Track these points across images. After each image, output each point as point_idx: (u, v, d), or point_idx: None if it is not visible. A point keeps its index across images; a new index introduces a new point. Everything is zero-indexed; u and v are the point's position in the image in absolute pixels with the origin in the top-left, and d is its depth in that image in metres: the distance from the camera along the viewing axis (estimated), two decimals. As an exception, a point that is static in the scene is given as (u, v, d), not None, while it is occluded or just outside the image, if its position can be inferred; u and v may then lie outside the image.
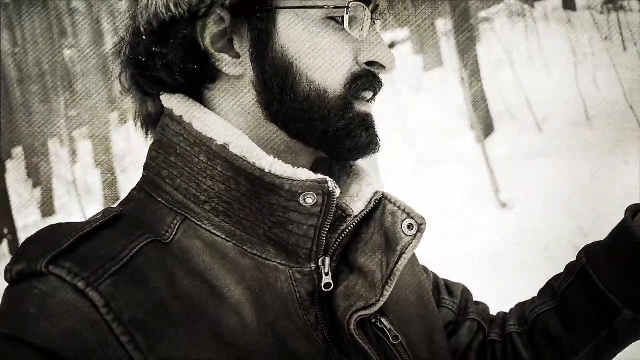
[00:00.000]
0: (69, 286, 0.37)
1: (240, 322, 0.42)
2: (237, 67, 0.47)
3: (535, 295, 0.66)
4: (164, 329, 0.39)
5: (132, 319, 0.38)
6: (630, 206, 0.57)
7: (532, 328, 0.63)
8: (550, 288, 0.64)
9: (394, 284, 0.48)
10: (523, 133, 4.51)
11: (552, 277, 0.65)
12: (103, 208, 0.48)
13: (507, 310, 0.70)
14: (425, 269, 0.67)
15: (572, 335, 0.59)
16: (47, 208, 5.47)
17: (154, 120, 0.52)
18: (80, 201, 4.79)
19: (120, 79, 0.50)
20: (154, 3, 0.46)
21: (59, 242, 0.40)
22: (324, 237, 0.47)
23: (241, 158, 0.45)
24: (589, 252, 0.59)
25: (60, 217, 5.37)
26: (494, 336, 0.66)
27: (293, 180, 0.45)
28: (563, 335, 0.60)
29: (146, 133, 0.53)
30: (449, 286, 0.70)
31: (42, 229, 0.44)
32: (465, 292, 0.70)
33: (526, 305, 0.66)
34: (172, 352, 0.38)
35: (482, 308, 0.70)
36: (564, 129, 4.20)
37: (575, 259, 0.61)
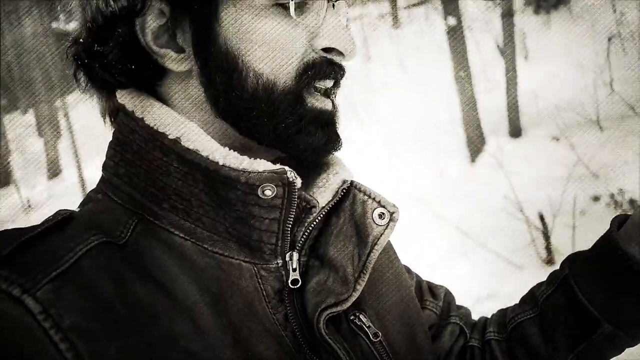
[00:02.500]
0: (4, 294, 0.35)
1: (195, 325, 0.40)
2: (182, 62, 0.44)
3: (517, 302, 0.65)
4: (111, 335, 0.37)
5: (74, 325, 0.36)
6: (615, 217, 0.55)
7: (512, 336, 0.62)
8: (532, 296, 0.62)
9: (367, 277, 0.47)
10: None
11: (535, 284, 0.63)
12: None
13: (489, 316, 0.68)
14: (408, 270, 0.65)
15: (551, 345, 0.58)
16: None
17: (114, 117, 0.49)
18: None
19: (75, 78, 0.48)
20: None
21: (1, 249, 0.38)
22: (288, 230, 0.45)
23: (194, 151, 0.43)
24: (572, 263, 0.57)
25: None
26: (473, 342, 0.65)
27: (249, 172, 0.42)
28: (541, 345, 0.58)
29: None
30: (432, 288, 0.67)
31: None
32: (448, 295, 0.68)
33: (507, 313, 0.64)
34: (120, 357, 0.36)
35: (464, 312, 0.68)
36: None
37: (559, 268, 0.60)
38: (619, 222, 0.54)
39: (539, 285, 0.62)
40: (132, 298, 0.39)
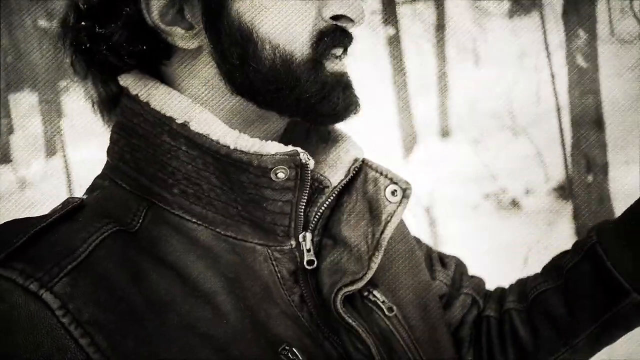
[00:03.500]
0: (20, 289, 0.35)
1: (214, 310, 0.40)
2: (191, 39, 0.43)
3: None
4: (128, 326, 0.37)
5: (92, 319, 0.35)
6: None
7: (533, 306, 0.59)
8: (555, 265, 0.60)
9: (381, 255, 0.46)
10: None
11: (558, 253, 0.61)
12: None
13: (507, 286, 0.66)
14: (418, 240, 0.64)
15: (574, 316, 0.56)
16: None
17: (113, 102, 0.48)
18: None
19: (73, 66, 0.46)
20: None
21: (11, 241, 0.37)
22: (301, 211, 0.45)
23: (203, 135, 0.42)
24: (600, 230, 0.55)
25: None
26: (489, 312, 0.63)
27: (261, 155, 0.42)
28: (565, 315, 0.56)
29: (107, 116, 0.49)
30: (443, 258, 0.66)
31: None
32: (460, 266, 0.67)
33: (528, 282, 0.62)
34: (140, 348, 0.36)
35: (477, 282, 0.66)
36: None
37: (585, 236, 0.57)
38: None
39: (563, 254, 0.60)
40: (149, 287, 0.39)
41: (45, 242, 0.38)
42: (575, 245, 0.59)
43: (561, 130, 3.11)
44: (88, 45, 0.43)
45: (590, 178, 2.81)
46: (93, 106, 0.49)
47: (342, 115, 0.47)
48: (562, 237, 2.93)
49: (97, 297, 0.37)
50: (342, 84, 0.46)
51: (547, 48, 3.18)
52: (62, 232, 0.39)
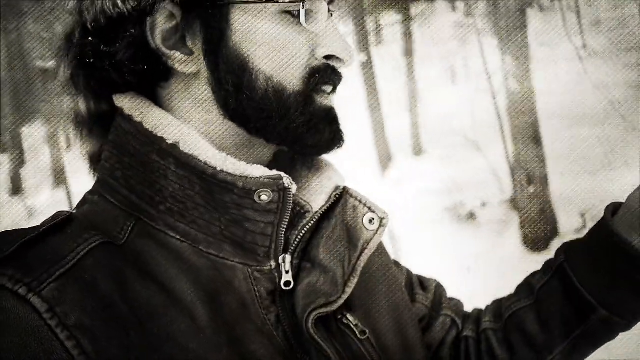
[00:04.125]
0: (10, 293, 0.36)
1: (193, 323, 0.41)
2: (190, 64, 0.45)
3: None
4: (112, 332, 0.38)
5: (78, 323, 0.37)
6: (610, 204, 0.56)
7: (508, 325, 0.62)
8: (528, 284, 0.63)
9: (356, 279, 0.48)
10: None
11: (529, 274, 0.64)
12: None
13: (483, 307, 0.69)
14: (397, 264, 0.66)
15: (547, 332, 0.58)
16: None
17: (105, 120, 0.49)
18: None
19: (72, 80, 0.48)
20: None
21: (2, 249, 0.38)
22: (282, 234, 0.46)
23: (192, 156, 0.43)
24: (568, 250, 0.58)
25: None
26: (468, 332, 0.65)
27: (247, 177, 0.43)
28: (538, 333, 0.59)
29: (87, 134, 0.50)
30: (423, 281, 0.68)
31: None
32: (439, 288, 0.69)
33: (502, 302, 0.65)
34: (122, 354, 0.37)
35: (456, 304, 0.68)
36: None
37: (554, 256, 0.60)
38: (613, 209, 0.55)
39: (534, 274, 0.63)
40: (133, 297, 0.40)
41: (35, 251, 0.39)
42: (545, 264, 0.62)
43: (505, 146, 3.34)
44: (92, 60, 0.45)
45: (531, 189, 3.04)
46: (75, 120, 0.50)
47: (326, 147, 0.49)
48: (509, 245, 3.14)
49: (84, 303, 0.38)
50: (329, 118, 0.49)
51: (486, 71, 3.43)
52: (51, 242, 0.41)
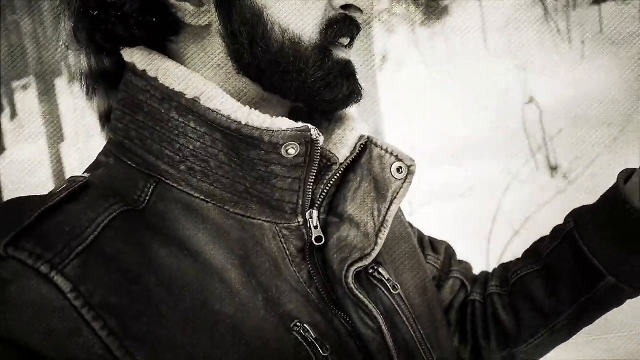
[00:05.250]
0: (31, 270, 0.34)
1: (226, 287, 0.40)
2: (200, 17, 0.43)
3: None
4: (141, 307, 0.36)
5: (104, 302, 0.35)
6: (623, 170, 0.55)
7: (514, 290, 0.61)
8: (535, 250, 0.62)
9: (387, 231, 0.47)
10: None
11: (537, 239, 0.63)
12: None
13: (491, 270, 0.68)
14: (411, 225, 0.65)
15: (554, 298, 0.58)
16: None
17: (109, 77, 0.47)
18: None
19: (74, 34, 0.45)
20: None
21: (20, 220, 0.36)
22: (309, 189, 0.45)
23: (214, 111, 0.41)
24: (577, 216, 0.57)
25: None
26: (475, 296, 0.65)
27: (273, 131, 0.41)
28: (544, 298, 0.58)
29: (92, 92, 0.48)
30: (433, 243, 0.68)
31: (1, 205, 0.41)
32: (449, 250, 0.68)
33: (509, 267, 0.64)
34: (155, 328, 0.36)
35: (465, 267, 0.68)
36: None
37: (563, 222, 0.59)
38: (626, 176, 0.54)
39: (542, 239, 0.62)
40: (160, 267, 0.38)
41: (54, 222, 0.37)
42: (553, 230, 0.60)
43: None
44: (96, 13, 0.43)
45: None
46: (80, 80, 0.49)
47: (343, 103, 0.47)
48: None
49: (108, 279, 0.36)
50: (347, 72, 0.47)
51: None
52: (69, 212, 0.38)
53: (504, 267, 0.65)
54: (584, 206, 0.58)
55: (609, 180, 0.56)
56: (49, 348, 0.34)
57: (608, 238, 0.54)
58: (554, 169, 3.05)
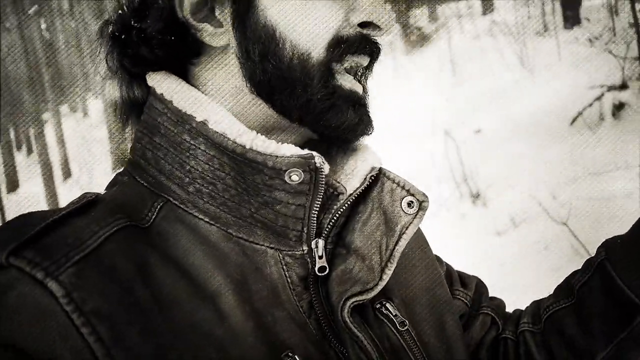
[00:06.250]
0: (28, 277, 0.35)
1: (217, 311, 0.40)
2: (219, 37, 0.45)
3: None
4: (132, 318, 0.37)
5: (96, 309, 0.36)
6: None
7: (547, 327, 0.58)
8: (567, 284, 0.58)
9: (394, 266, 0.46)
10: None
11: (571, 273, 0.59)
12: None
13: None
14: (439, 259, 0.63)
15: (589, 335, 0.53)
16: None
17: (138, 106, 0.48)
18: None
19: (106, 60, 0.48)
20: None
21: (24, 232, 0.37)
22: (314, 217, 0.45)
23: (221, 134, 0.42)
24: (609, 247, 0.54)
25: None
26: (507, 334, 0.62)
27: (277, 156, 0.42)
28: (578, 335, 0.54)
29: (125, 120, 0.50)
30: (463, 278, 0.65)
31: (12, 219, 0.41)
32: (480, 286, 0.66)
33: (542, 303, 0.60)
34: (143, 341, 0.36)
35: (497, 304, 0.65)
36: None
37: (594, 255, 0.56)
38: None
39: (574, 273, 0.58)
40: (154, 283, 0.39)
41: (57, 234, 0.38)
42: (586, 263, 0.57)
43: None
44: (123, 36, 0.45)
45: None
46: (115, 111, 0.50)
47: (351, 131, 0.47)
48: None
49: (103, 288, 0.37)
50: (353, 101, 0.46)
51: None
52: (73, 226, 0.39)
53: (537, 303, 0.62)
54: (616, 236, 0.55)
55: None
56: (41, 351, 0.35)
57: None
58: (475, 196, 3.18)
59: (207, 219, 0.44)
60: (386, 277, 0.46)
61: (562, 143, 3.00)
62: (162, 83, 0.45)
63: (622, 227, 0.54)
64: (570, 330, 0.55)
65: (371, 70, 0.49)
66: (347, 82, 0.46)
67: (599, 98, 3.00)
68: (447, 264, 0.65)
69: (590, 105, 3.00)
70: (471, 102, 3.98)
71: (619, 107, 2.97)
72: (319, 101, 0.45)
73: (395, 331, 0.48)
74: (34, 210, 0.42)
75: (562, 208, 2.52)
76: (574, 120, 3.09)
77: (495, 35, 4.90)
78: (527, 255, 2.48)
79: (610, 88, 3.00)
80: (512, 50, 4.30)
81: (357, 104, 0.47)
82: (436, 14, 6.14)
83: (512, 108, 3.70)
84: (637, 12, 2.76)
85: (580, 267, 0.58)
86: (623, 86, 3.01)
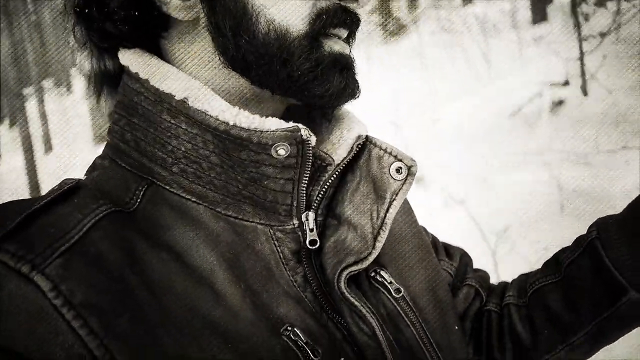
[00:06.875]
0: (13, 272, 0.34)
1: (213, 291, 0.40)
2: (187, 10, 0.43)
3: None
4: (122, 307, 0.36)
5: (85, 300, 0.35)
6: None
7: (531, 301, 0.58)
8: (555, 260, 0.58)
9: (386, 234, 0.46)
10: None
11: (560, 249, 0.59)
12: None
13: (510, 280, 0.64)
14: (425, 229, 0.63)
15: (573, 312, 0.54)
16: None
17: (111, 79, 0.47)
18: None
19: (74, 33, 0.46)
20: None
21: (5, 223, 0.36)
22: (304, 190, 0.44)
23: (202, 112, 0.41)
24: (600, 226, 0.53)
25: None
26: (491, 306, 0.62)
27: (261, 131, 0.41)
28: (563, 312, 0.55)
29: (98, 93, 0.49)
30: (448, 249, 0.66)
31: None
32: (465, 257, 0.66)
33: (528, 277, 0.61)
34: (135, 328, 0.35)
35: (482, 275, 0.65)
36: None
37: (586, 232, 0.55)
38: None
39: (564, 249, 0.58)
40: (144, 268, 0.38)
41: (39, 224, 0.37)
42: (576, 240, 0.57)
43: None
44: (86, 11, 0.43)
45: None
46: (89, 84, 0.48)
47: (337, 97, 0.45)
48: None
49: (91, 278, 0.36)
50: (340, 64, 0.45)
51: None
52: (56, 214, 0.38)
53: (522, 278, 0.63)
54: (609, 215, 0.55)
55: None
56: (31, 348, 0.34)
57: (633, 250, 0.50)
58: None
59: (194, 199, 0.43)
60: (379, 245, 0.45)
61: (501, 135, 3.19)
62: (136, 61, 0.44)
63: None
64: (555, 306, 0.56)
65: (353, 39, 0.48)
66: (335, 44, 0.45)
67: (540, 94, 3.18)
68: (432, 235, 0.66)
69: (531, 100, 3.18)
70: (433, 94, 4.16)
71: (558, 104, 3.15)
72: (302, 75, 0.43)
73: (391, 298, 0.48)
74: (11, 200, 0.41)
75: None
76: (514, 114, 3.26)
77: (469, 28, 5.05)
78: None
79: (553, 85, 3.18)
80: (477, 44, 4.47)
81: (345, 68, 0.46)
82: (416, 3, 6.26)
83: (470, 101, 3.88)
84: (579, 13, 2.94)
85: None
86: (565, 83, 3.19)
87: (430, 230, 0.65)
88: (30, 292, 0.34)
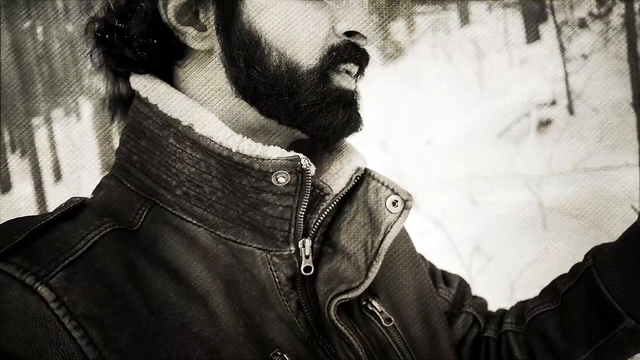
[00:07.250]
0: (17, 282, 0.36)
1: (208, 312, 0.41)
2: (203, 41, 0.45)
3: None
4: (122, 321, 0.37)
5: (87, 312, 0.36)
6: None
7: (530, 328, 0.59)
8: (553, 288, 0.60)
9: (379, 264, 0.47)
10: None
11: (557, 276, 0.60)
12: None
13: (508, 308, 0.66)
14: (422, 257, 0.64)
15: (570, 340, 0.55)
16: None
17: (124, 103, 0.50)
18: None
19: (91, 56, 0.49)
20: None
21: (12, 237, 0.38)
22: (301, 217, 0.46)
23: (207, 138, 0.43)
24: (596, 254, 0.55)
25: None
26: (489, 333, 0.63)
27: (263, 159, 0.43)
28: (560, 339, 0.56)
29: (112, 116, 0.51)
30: (446, 276, 0.67)
31: None
32: (463, 284, 0.67)
33: (526, 304, 0.62)
34: (134, 343, 0.37)
35: (480, 302, 0.66)
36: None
37: (582, 260, 0.57)
38: None
39: (561, 277, 0.60)
40: (144, 285, 0.39)
41: (45, 239, 0.38)
42: (572, 268, 0.58)
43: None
44: (107, 36, 0.46)
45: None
46: (103, 107, 0.51)
47: (341, 130, 0.47)
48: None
49: (93, 291, 0.37)
50: (345, 100, 0.47)
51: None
52: (61, 230, 0.40)
53: (521, 305, 0.63)
54: (604, 243, 0.56)
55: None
56: (31, 355, 0.34)
57: (629, 277, 0.51)
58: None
59: (194, 221, 0.45)
60: (372, 275, 0.46)
61: (490, 155, 3.25)
62: (147, 87, 0.46)
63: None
64: (552, 333, 0.56)
65: (362, 75, 0.50)
66: (342, 79, 0.47)
67: (527, 114, 3.25)
68: (430, 262, 0.67)
69: (519, 120, 3.25)
70: (427, 114, 4.23)
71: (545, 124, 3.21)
72: (308, 107, 0.45)
73: (381, 327, 0.49)
74: (21, 216, 0.42)
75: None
76: (501, 135, 3.33)
77: (463, 49, 5.12)
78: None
79: (540, 105, 3.24)
80: (471, 64, 4.54)
81: (348, 103, 0.48)
82: (414, 26, 6.36)
83: (461, 120, 3.95)
84: (562, 38, 3.01)
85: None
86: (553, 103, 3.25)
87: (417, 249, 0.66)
88: (34, 301, 0.35)
